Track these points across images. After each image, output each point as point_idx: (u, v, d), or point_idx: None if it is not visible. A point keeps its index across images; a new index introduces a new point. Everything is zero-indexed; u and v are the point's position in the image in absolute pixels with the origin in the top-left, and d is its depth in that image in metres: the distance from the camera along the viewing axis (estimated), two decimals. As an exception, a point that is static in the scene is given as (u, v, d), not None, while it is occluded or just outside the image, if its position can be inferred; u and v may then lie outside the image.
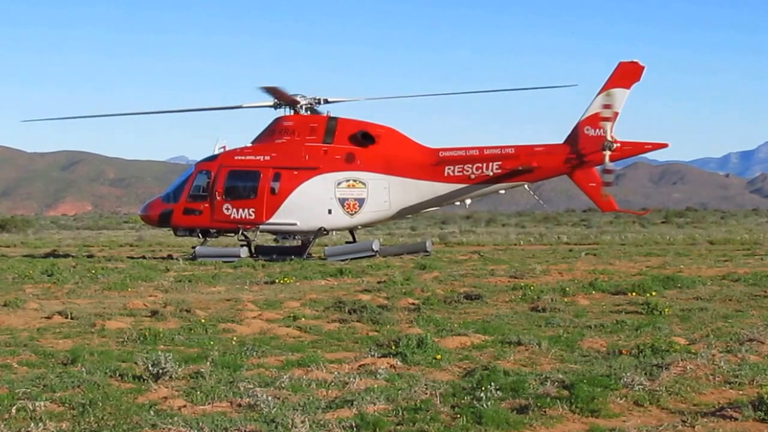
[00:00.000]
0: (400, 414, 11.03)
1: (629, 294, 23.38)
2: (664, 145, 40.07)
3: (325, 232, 40.89)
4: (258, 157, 40.12)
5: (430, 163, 39.52)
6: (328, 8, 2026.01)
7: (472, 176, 39.06)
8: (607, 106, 37.53)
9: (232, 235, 41.96)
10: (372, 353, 15.12)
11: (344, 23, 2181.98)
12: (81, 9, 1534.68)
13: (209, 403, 11.75)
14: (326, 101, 41.25)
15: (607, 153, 37.61)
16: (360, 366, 14.04)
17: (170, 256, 41.53)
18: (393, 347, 15.39)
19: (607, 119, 37.60)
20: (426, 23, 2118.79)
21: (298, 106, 40.79)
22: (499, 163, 38.81)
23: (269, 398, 11.53)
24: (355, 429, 10.40)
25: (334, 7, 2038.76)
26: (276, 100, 40.80)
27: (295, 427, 10.29)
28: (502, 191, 41.06)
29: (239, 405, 11.63)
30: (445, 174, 39.31)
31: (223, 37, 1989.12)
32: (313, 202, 39.50)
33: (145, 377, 13.15)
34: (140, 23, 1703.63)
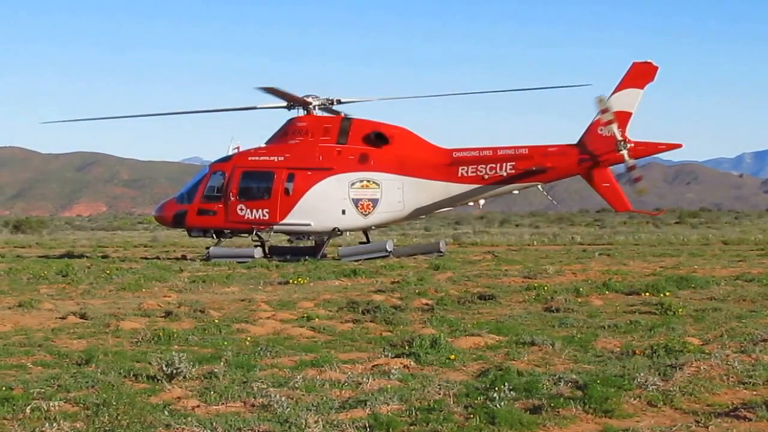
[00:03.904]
0: (414, 414, 11.03)
1: (643, 294, 23.34)
2: (678, 146, 39.99)
3: (338, 233, 40.92)
4: (272, 158, 40.16)
5: (443, 164, 39.49)
6: (340, 8, 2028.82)
7: (486, 177, 39.03)
8: (604, 111, 37.49)
9: (246, 235, 41.99)
10: (385, 353, 15.15)
11: (354, 23, 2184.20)
12: (90, 11, 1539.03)
13: (223, 404, 11.78)
14: (339, 102, 41.25)
15: (624, 152, 37.55)
16: (373, 366, 14.06)
17: (184, 257, 41.60)
18: (406, 347, 15.42)
19: (610, 122, 37.50)
20: (438, 23, 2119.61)
21: (311, 106, 40.83)
22: (513, 163, 38.77)
23: (283, 398, 11.56)
24: (368, 429, 10.41)
25: (345, 7, 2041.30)
26: (289, 101, 40.87)
27: (309, 428, 10.31)
28: (516, 192, 41.00)
29: (253, 405, 11.65)
30: (459, 174, 39.28)
31: (237, 37, 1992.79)
32: (326, 203, 39.51)
33: (159, 377, 13.18)
34: (152, 24, 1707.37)
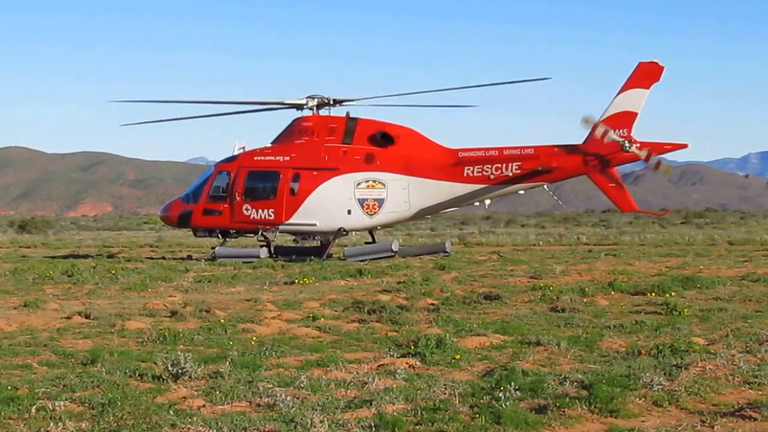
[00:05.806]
0: (419, 414, 11.04)
1: (649, 294, 23.32)
2: (684, 146, 39.91)
3: (344, 233, 40.91)
4: (277, 158, 40.16)
5: (449, 164, 39.48)
6: (341, 8, 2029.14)
7: (492, 177, 39.01)
8: (594, 127, 37.40)
9: (252, 235, 42.01)
10: (391, 353, 15.15)
11: (355, 24, 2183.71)
12: (92, 11, 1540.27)
13: (228, 403, 11.79)
14: (339, 102, 41.19)
15: (634, 149, 37.42)
16: (379, 366, 14.05)
17: (190, 257, 41.62)
18: (412, 347, 15.42)
19: (605, 133, 37.41)
20: (445, 22, 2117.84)
21: (314, 106, 40.82)
22: (519, 163, 38.74)
23: (288, 398, 11.56)
24: (374, 429, 10.41)
25: (347, 7, 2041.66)
26: (294, 102, 40.92)
27: (314, 427, 10.31)
28: (522, 192, 41.01)
29: (258, 405, 11.66)
30: (465, 174, 39.27)
31: (242, 36, 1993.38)
32: (332, 203, 39.51)
33: (164, 377, 13.19)
34: (153, 24, 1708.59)
